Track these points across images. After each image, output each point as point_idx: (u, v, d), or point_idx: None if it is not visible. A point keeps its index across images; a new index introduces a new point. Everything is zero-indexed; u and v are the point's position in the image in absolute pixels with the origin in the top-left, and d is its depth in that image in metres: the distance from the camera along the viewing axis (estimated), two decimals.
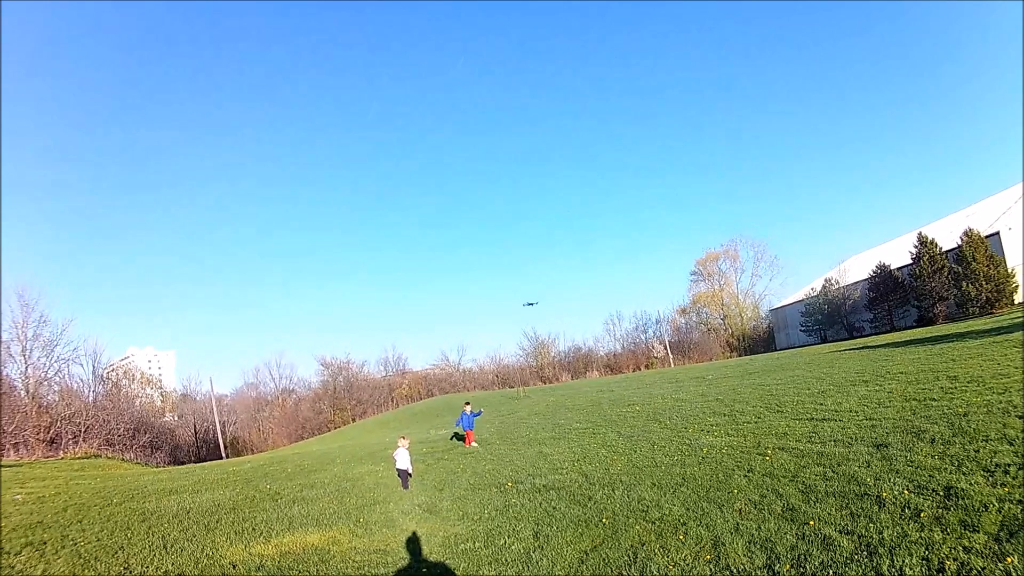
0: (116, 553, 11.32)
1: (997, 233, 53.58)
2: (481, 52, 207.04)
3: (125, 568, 10.47)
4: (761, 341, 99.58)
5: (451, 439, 26.95)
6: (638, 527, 10.16)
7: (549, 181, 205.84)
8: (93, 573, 10.22)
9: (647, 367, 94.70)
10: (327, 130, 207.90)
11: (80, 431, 43.31)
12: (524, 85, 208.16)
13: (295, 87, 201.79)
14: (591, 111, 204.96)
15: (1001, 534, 6.91)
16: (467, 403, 26.31)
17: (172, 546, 11.77)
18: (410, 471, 16.96)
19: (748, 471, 12.19)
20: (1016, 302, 49.63)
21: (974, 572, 6.30)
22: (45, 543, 12.14)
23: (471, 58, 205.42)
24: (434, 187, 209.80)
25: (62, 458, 38.48)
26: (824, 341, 75.03)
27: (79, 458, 39.16)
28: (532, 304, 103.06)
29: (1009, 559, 6.32)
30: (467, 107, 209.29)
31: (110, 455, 43.59)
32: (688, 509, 10.59)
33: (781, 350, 79.86)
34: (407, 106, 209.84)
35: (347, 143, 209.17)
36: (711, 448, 14.97)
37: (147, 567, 10.50)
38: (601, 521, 10.85)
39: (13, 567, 10.60)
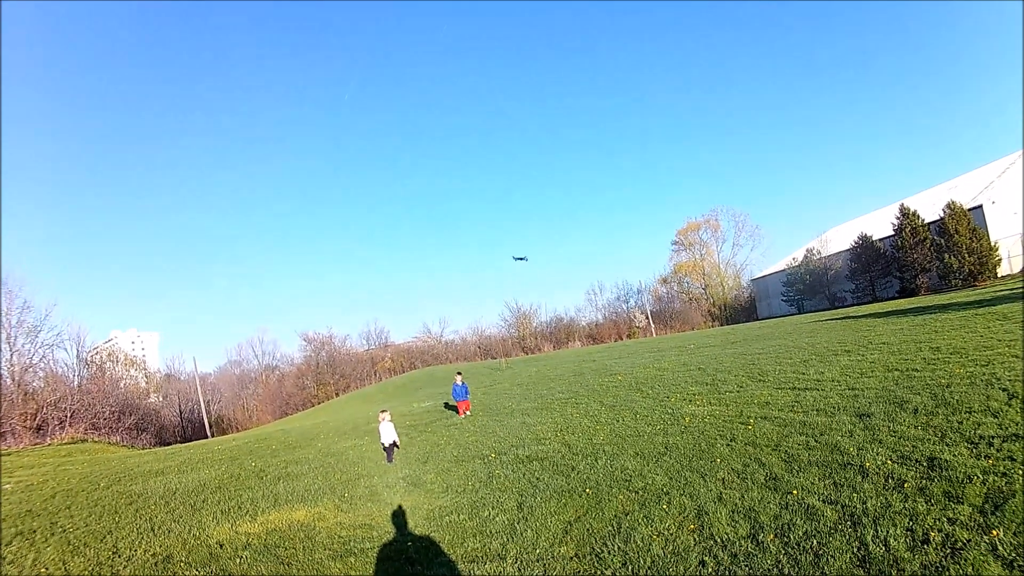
0: (104, 538, 11.29)
1: (980, 206, 53.65)
2: (464, 21, 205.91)
3: (114, 552, 10.43)
4: (743, 310, 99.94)
5: (444, 407, 26.79)
6: (621, 497, 10.14)
7: (531, 152, 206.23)
8: (83, 559, 10.17)
9: (629, 337, 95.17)
10: (307, 109, 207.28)
11: (66, 416, 43.11)
12: (504, 57, 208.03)
13: (275, 64, 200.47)
14: (572, 83, 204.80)
15: (986, 506, 6.89)
16: (459, 372, 25.46)
17: (159, 528, 11.75)
18: (397, 443, 16.89)
19: (731, 440, 12.21)
20: (999, 275, 49.83)
21: (959, 544, 6.28)
22: (35, 531, 12.11)
23: (455, 27, 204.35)
24: (415, 161, 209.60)
25: (49, 444, 38.28)
26: (805, 311, 75.41)
27: (66, 444, 39.02)
28: (522, 259, 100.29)
29: (995, 532, 6.30)
30: (447, 83, 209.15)
31: (96, 439, 43.36)
32: (671, 479, 10.58)
33: (763, 319, 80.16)
34: (388, 82, 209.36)
35: (328, 122, 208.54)
36: (693, 417, 14.98)
37: (135, 550, 10.46)
38: (584, 491, 10.84)
39: (3, 557, 10.56)
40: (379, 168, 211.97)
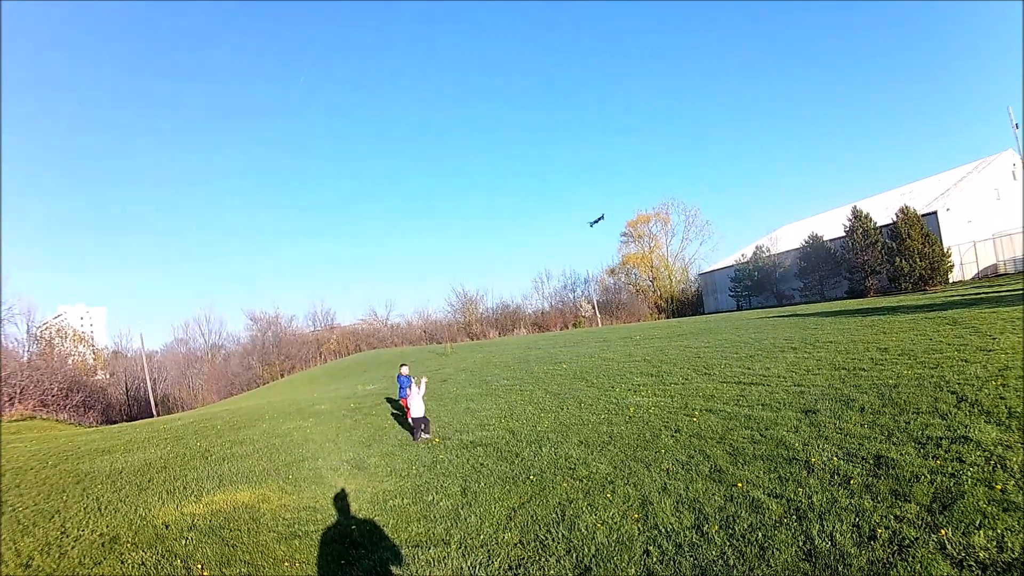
0: (53, 517, 10.99)
1: (935, 213, 54.30)
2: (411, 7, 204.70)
3: (62, 532, 10.16)
4: (689, 304, 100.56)
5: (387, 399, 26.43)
6: (565, 485, 10.09)
7: (481, 138, 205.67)
8: (32, 539, 9.87)
9: (575, 326, 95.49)
10: (254, 83, 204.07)
11: (16, 392, 42.36)
12: (452, 41, 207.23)
13: (231, 37, 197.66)
14: (522, 70, 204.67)
15: (934, 506, 6.88)
16: (404, 365, 21.24)
17: (106, 508, 11.45)
18: (426, 420, 16.37)
19: (675, 431, 12.23)
20: (951, 281, 50.48)
21: (907, 542, 6.26)
22: None
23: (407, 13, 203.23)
24: (362, 143, 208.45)
25: None
26: (752, 307, 76.11)
27: (15, 420, 38.26)
28: (599, 220, 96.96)
29: (943, 531, 6.27)
30: (401, 64, 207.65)
31: (44, 416, 42.62)
32: (615, 468, 10.56)
33: (709, 314, 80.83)
34: (342, 60, 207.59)
35: (276, 98, 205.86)
36: (638, 408, 14.98)
37: (83, 530, 10.19)
38: (528, 478, 10.78)
39: None
40: (329, 147, 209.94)
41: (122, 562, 8.77)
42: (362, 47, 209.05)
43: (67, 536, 9.97)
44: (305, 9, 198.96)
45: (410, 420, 16.49)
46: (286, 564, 8.37)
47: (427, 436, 15.93)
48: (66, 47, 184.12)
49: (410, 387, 16.69)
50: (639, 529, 7.84)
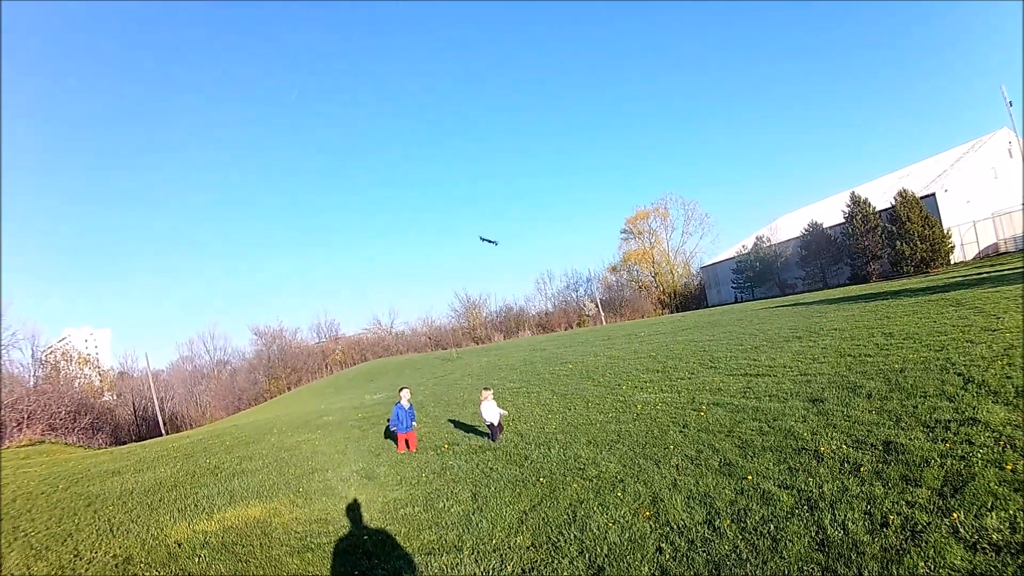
0: (65, 541, 10.99)
1: (933, 195, 54.36)
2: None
3: (75, 555, 10.15)
4: (692, 298, 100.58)
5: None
6: (575, 485, 10.04)
7: (479, 141, 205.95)
8: (45, 563, 9.87)
9: (579, 325, 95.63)
10: (254, 92, 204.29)
11: (23, 418, 42.11)
12: (451, 47, 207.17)
13: (218, 46, 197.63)
14: (519, 68, 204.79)
15: (945, 489, 6.84)
16: (404, 388, 17.60)
17: (118, 529, 11.42)
18: (501, 424, 15.58)
19: (683, 427, 12.21)
20: (952, 262, 50.37)
21: (919, 527, 6.21)
22: None
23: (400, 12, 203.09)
24: (360, 150, 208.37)
25: (8, 447, 37.37)
26: (755, 298, 75.97)
27: (24, 446, 38.10)
28: (491, 242, 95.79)
29: (955, 514, 6.23)
30: (394, 71, 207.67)
31: (53, 440, 42.40)
32: (625, 466, 10.52)
33: (713, 307, 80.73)
34: (336, 67, 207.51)
35: (274, 108, 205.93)
36: (645, 405, 14.99)
37: (96, 552, 10.18)
38: (538, 480, 10.75)
39: None
40: (323, 156, 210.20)
41: None
42: (359, 54, 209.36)
43: (80, 559, 9.96)
44: (303, 16, 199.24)
45: (486, 427, 15.90)
46: None
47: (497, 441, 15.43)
48: (61, 59, 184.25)
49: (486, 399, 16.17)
50: (651, 527, 7.79)
